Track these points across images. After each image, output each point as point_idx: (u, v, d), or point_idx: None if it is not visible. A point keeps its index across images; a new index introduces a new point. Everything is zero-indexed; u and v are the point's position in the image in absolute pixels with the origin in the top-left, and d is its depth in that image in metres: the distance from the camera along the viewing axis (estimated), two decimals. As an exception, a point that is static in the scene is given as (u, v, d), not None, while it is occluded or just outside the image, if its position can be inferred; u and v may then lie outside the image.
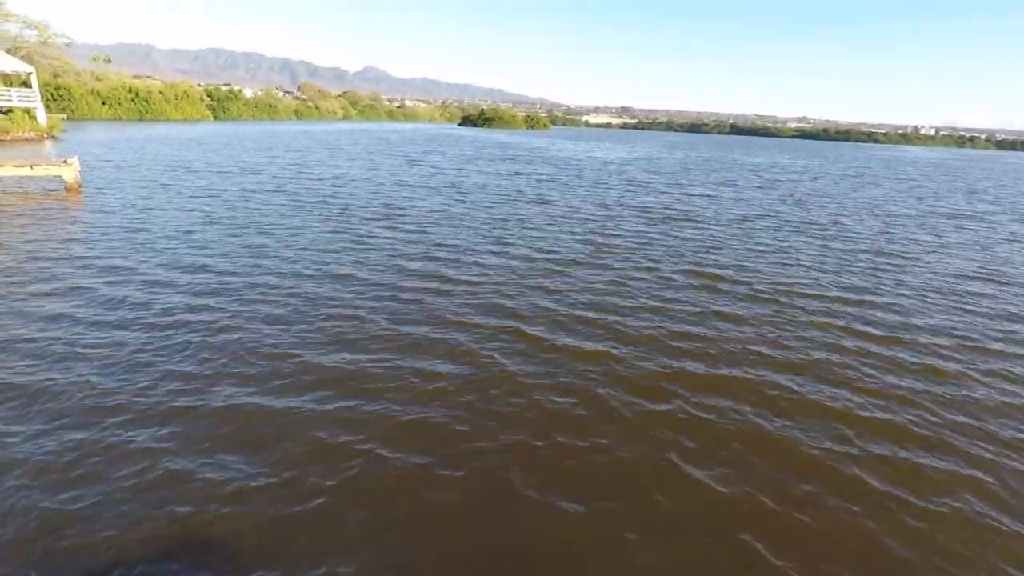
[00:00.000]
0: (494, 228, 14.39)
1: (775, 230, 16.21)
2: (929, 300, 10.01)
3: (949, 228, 18.21)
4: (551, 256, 11.77)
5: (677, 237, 14.43)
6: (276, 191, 19.12)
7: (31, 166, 16.92)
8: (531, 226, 14.89)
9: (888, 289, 10.63)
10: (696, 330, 7.96)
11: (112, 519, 3.86)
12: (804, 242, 14.62)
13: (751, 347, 7.41)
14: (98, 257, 10.24)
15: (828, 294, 10.07)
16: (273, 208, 15.90)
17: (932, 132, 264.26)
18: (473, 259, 11.15)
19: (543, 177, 27.52)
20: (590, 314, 8.29)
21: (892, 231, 17.04)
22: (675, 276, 10.77)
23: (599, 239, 13.73)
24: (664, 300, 9.26)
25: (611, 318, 8.17)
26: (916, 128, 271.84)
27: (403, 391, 5.76)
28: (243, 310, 7.79)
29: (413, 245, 12.13)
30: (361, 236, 12.79)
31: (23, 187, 17.57)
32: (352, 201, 17.70)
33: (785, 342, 7.64)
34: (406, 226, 14.16)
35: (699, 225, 16.35)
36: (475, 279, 9.78)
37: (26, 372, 5.79)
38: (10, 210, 14.07)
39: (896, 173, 45.21)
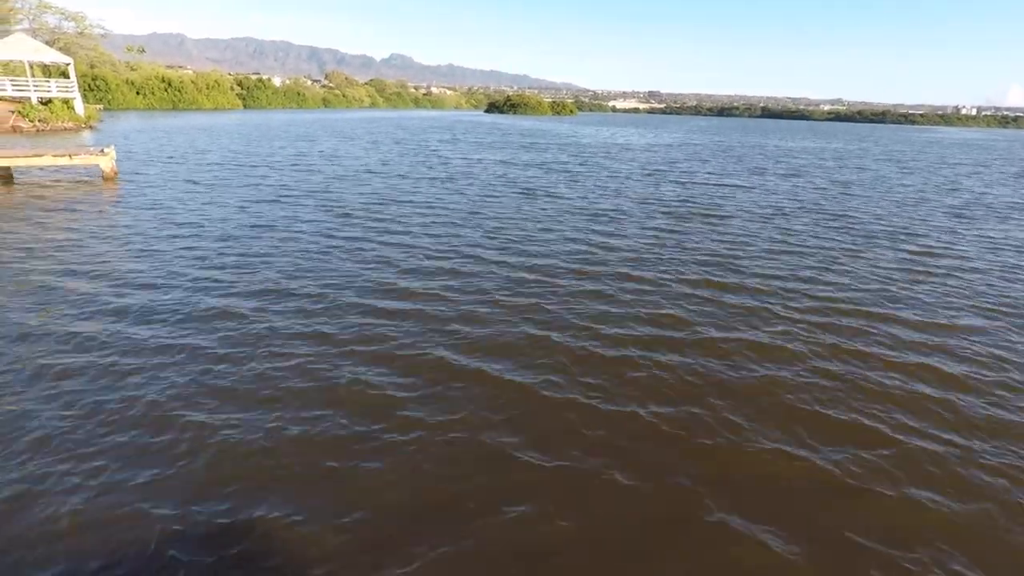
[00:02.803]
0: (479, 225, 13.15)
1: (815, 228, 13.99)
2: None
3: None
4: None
5: (695, 239, 12.40)
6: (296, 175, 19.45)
7: (70, 155, 17.51)
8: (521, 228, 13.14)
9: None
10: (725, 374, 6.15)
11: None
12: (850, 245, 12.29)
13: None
14: (136, 244, 10.57)
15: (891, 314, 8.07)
16: (290, 198, 16.15)
17: (973, 112, 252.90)
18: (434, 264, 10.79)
19: (560, 168, 27.22)
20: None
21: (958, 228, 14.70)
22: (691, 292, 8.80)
23: (597, 241, 11.97)
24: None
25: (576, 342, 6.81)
26: (956, 108, 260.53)
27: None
28: (273, 306, 7.97)
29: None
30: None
31: (62, 176, 18.21)
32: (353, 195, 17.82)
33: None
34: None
35: (722, 222, 14.45)
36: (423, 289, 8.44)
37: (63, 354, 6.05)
38: (51, 198, 14.61)
39: (944, 158, 43.19)
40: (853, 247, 12.27)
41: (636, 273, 9.68)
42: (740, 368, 6.32)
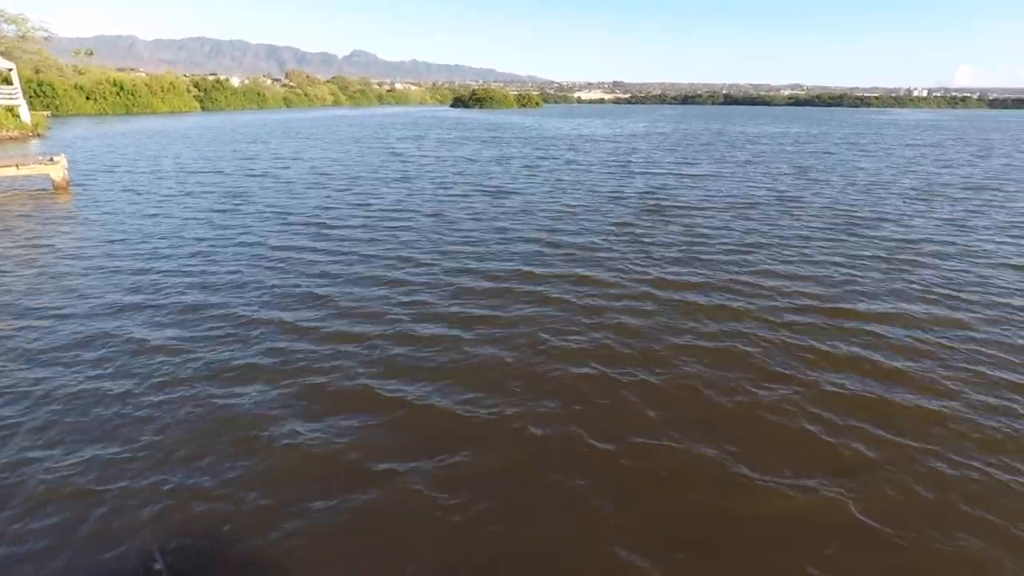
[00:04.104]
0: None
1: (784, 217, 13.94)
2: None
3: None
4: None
5: (659, 232, 12.17)
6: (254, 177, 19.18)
7: (17, 166, 16.90)
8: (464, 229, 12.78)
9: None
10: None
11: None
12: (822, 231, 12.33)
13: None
14: (90, 255, 10.36)
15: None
16: (241, 200, 15.95)
17: (925, 94, 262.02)
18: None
19: (521, 161, 27.36)
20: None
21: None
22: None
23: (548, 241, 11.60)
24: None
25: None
26: (909, 91, 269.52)
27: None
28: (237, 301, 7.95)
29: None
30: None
31: (9, 187, 17.56)
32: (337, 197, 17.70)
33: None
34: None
35: (689, 213, 14.45)
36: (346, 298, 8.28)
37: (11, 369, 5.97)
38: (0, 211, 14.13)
39: (904, 140, 44.77)
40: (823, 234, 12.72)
41: (591, 274, 9.41)
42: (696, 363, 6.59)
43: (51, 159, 17.48)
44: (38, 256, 10.20)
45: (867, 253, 10.79)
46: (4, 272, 9.21)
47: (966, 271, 9.73)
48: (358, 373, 5.96)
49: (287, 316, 7.43)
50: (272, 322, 7.23)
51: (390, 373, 5.99)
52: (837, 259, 10.34)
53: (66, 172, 17.63)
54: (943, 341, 6.90)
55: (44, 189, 17.27)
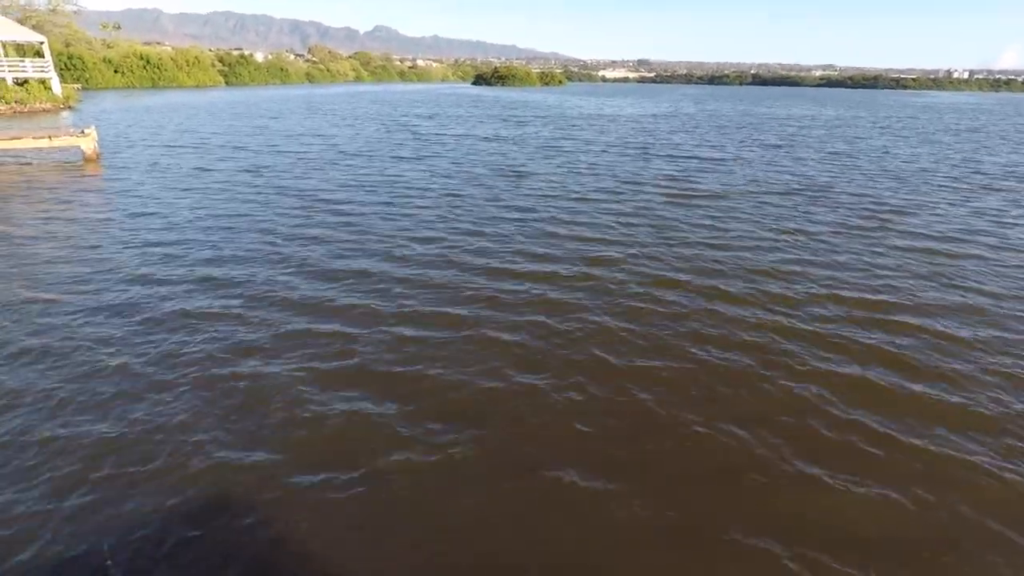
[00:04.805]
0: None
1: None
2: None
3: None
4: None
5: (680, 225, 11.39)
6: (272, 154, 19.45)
7: (49, 137, 17.37)
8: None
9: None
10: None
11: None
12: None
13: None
14: (119, 226, 10.72)
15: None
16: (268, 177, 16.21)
17: (966, 76, 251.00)
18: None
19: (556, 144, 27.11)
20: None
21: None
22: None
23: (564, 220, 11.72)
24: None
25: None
26: (948, 72, 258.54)
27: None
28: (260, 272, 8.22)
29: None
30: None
31: (42, 159, 18.07)
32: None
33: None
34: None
35: (714, 200, 14.00)
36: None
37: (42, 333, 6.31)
38: (32, 182, 14.60)
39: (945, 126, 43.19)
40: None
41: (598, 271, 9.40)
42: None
43: (82, 131, 17.93)
44: (70, 226, 10.58)
45: (901, 244, 10.64)
46: (38, 241, 9.60)
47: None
48: (366, 351, 6.17)
49: (295, 293, 7.68)
50: (288, 299, 7.48)
51: (398, 346, 6.23)
52: (870, 251, 10.19)
53: (96, 144, 18.08)
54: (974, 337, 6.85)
55: (74, 161, 17.74)
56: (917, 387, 5.55)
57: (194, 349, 5.97)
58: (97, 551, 3.49)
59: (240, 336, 6.26)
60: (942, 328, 6.83)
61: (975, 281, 8.46)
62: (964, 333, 6.70)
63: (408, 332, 6.43)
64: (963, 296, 7.90)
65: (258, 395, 5.17)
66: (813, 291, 7.95)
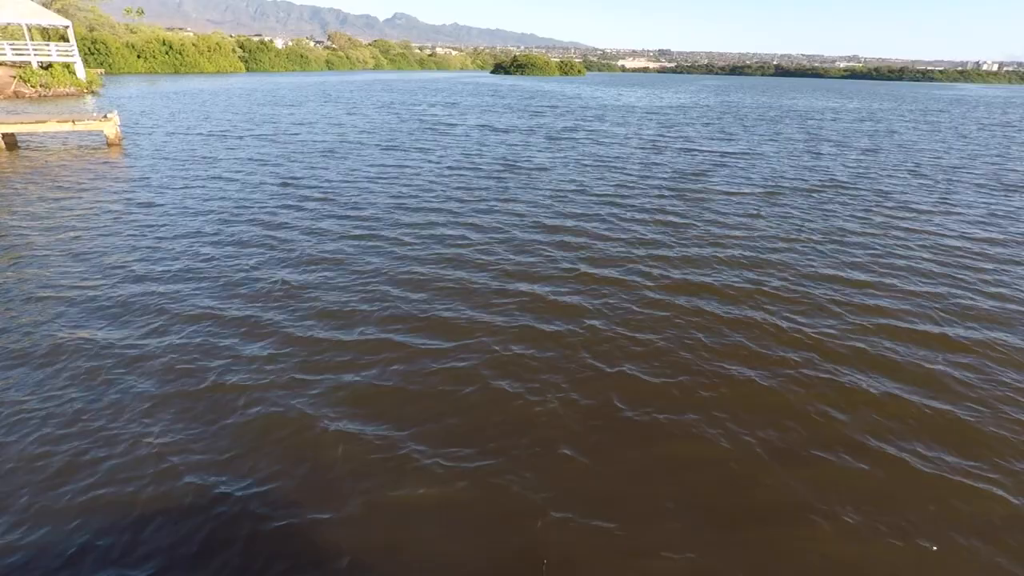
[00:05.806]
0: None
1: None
2: None
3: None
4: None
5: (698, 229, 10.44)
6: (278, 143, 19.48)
7: (73, 122, 17.57)
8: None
9: None
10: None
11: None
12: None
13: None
14: (141, 211, 10.81)
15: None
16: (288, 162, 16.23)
17: (995, 68, 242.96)
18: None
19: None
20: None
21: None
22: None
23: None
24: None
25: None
26: (977, 64, 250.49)
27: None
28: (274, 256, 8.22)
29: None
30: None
31: (66, 142, 18.31)
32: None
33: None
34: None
35: (730, 198, 13.57)
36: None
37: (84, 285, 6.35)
38: (56, 166, 14.78)
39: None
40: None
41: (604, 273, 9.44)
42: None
43: (105, 116, 18.10)
44: (92, 210, 10.69)
45: (923, 244, 10.33)
46: (62, 224, 9.71)
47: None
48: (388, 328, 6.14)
49: (303, 277, 7.67)
50: (300, 285, 7.48)
51: (407, 326, 6.20)
52: (899, 260, 9.87)
53: (119, 129, 18.25)
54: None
55: (97, 145, 17.93)
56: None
57: (194, 349, 5.99)
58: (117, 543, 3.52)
59: (247, 338, 6.28)
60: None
61: None
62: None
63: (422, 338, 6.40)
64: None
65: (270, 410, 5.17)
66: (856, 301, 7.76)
